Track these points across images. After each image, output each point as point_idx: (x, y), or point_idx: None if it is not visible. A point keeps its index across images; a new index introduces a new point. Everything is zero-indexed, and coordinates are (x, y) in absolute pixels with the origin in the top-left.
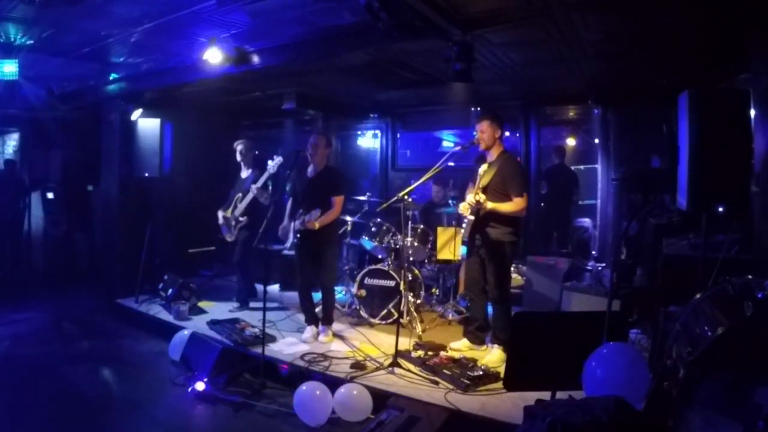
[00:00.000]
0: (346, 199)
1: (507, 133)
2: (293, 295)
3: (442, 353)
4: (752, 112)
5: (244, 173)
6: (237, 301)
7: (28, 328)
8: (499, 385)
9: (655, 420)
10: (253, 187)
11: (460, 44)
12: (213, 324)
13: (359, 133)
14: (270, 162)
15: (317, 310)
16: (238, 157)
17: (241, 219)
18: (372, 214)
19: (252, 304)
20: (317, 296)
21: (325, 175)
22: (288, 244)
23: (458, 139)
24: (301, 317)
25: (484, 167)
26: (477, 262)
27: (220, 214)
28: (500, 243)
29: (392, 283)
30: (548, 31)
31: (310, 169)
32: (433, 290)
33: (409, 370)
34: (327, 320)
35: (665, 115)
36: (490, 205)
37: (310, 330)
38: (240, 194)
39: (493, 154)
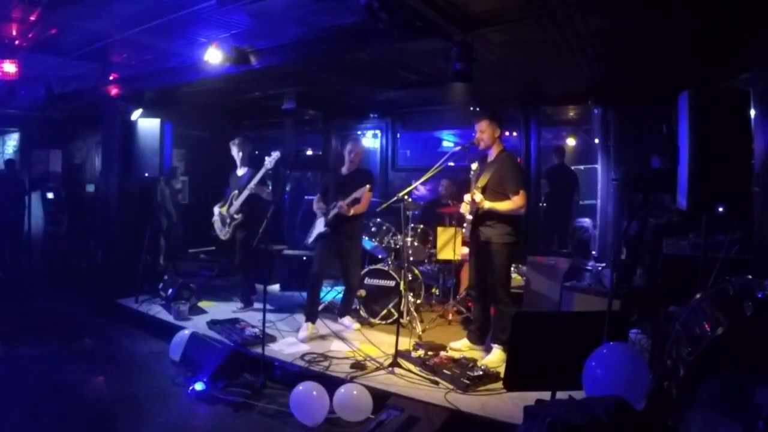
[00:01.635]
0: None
1: (507, 133)
2: (293, 295)
3: (442, 353)
4: (752, 112)
5: (240, 171)
6: (241, 301)
7: (28, 328)
8: (499, 385)
9: (655, 420)
10: (251, 185)
11: (460, 44)
12: (213, 324)
13: (359, 133)
14: (267, 158)
15: (320, 308)
16: (235, 154)
17: (236, 216)
18: (372, 214)
19: (254, 308)
20: (322, 295)
21: (358, 173)
22: (310, 240)
23: (458, 139)
24: (302, 317)
25: (475, 165)
26: (477, 262)
27: (216, 210)
28: (498, 244)
29: (392, 283)
30: (548, 31)
31: (344, 168)
32: (433, 290)
33: (409, 370)
34: (348, 311)
35: (665, 115)
36: (487, 204)
37: (306, 327)
38: (236, 191)
39: (492, 154)
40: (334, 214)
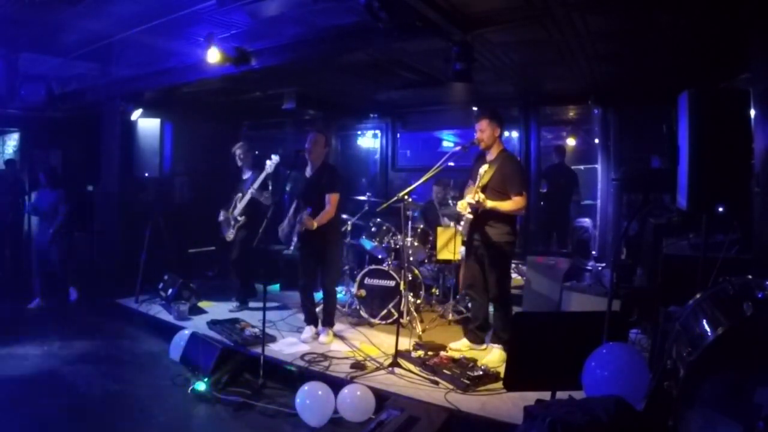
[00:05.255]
0: (345, 198)
1: (507, 133)
2: (293, 295)
3: (442, 353)
4: (752, 112)
5: (245, 174)
6: (237, 300)
7: (28, 328)
8: (499, 385)
9: (655, 420)
10: (252, 189)
11: (460, 44)
12: (213, 324)
13: (359, 133)
14: (267, 162)
15: (318, 309)
16: (238, 162)
17: (239, 218)
18: (372, 214)
19: (252, 304)
20: (318, 296)
21: (321, 173)
22: (292, 247)
23: (458, 139)
24: (301, 317)
25: (485, 167)
26: (476, 261)
27: (222, 213)
28: (499, 243)
29: (392, 283)
30: (548, 31)
31: (308, 168)
32: (433, 290)
33: (409, 370)
34: (328, 322)
35: (665, 115)
36: (489, 203)
37: (309, 330)
38: (240, 194)
39: (492, 153)
40: (301, 228)
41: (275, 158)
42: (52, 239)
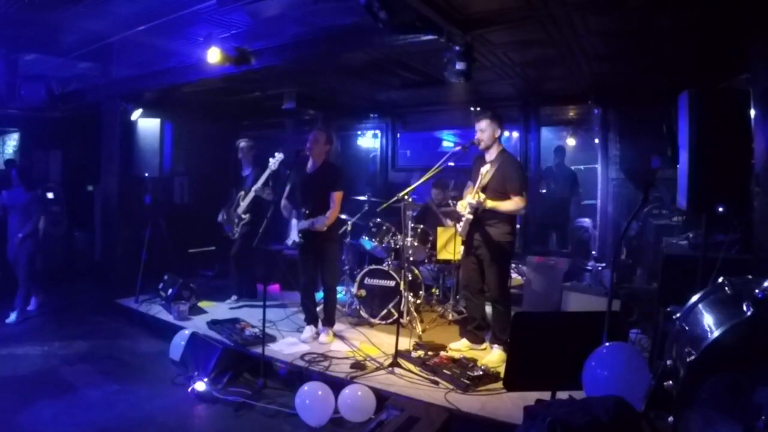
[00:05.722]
0: (346, 197)
1: (507, 133)
2: (293, 295)
3: (442, 353)
4: (752, 112)
5: (245, 172)
6: (235, 294)
7: (28, 328)
8: (499, 385)
9: (655, 420)
10: (255, 187)
11: (460, 44)
12: (213, 324)
13: (359, 133)
14: (271, 159)
15: (318, 309)
16: (239, 154)
17: (243, 216)
18: (372, 214)
19: (252, 303)
20: (319, 296)
21: (323, 171)
22: (289, 242)
23: (458, 139)
24: (301, 317)
25: (486, 167)
26: (474, 261)
27: (221, 214)
28: (500, 243)
29: (392, 283)
30: (548, 31)
31: (309, 164)
32: (433, 290)
33: (409, 370)
34: (328, 321)
35: (665, 115)
36: (489, 203)
37: (309, 329)
38: (242, 192)
39: (492, 153)
40: (306, 227)
41: (279, 155)
42: (21, 242)
